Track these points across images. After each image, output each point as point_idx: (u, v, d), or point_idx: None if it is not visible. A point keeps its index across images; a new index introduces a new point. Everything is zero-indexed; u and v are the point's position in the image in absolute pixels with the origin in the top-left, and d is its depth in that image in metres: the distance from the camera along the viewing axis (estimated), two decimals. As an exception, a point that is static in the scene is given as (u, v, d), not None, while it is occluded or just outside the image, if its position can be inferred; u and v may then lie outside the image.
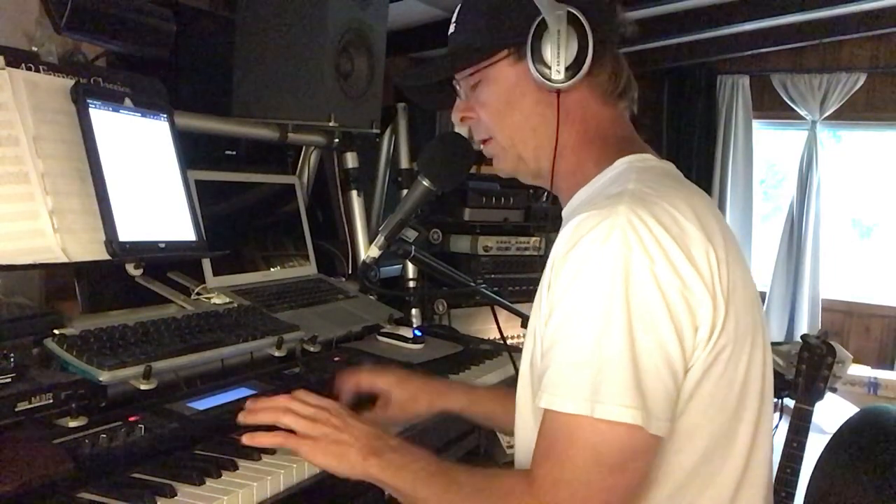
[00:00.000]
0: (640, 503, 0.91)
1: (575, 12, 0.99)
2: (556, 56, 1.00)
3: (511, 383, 1.17)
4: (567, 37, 0.99)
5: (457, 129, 1.30)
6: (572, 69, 1.00)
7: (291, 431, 1.04)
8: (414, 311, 2.33)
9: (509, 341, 1.68)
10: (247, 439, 1.04)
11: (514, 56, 1.04)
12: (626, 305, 0.84)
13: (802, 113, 4.90)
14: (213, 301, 1.60)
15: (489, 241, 2.84)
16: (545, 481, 0.87)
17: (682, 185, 1.01)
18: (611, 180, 1.00)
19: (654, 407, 0.84)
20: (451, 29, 1.10)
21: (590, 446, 0.84)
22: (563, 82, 1.01)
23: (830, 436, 1.67)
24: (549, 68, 1.00)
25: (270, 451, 1.11)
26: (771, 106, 5.05)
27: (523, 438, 1.03)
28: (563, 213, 1.08)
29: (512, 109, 1.06)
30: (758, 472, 0.98)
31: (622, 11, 1.08)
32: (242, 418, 1.08)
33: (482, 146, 1.14)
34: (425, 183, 1.47)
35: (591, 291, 0.86)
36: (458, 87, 1.12)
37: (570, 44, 1.00)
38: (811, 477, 1.67)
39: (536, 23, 1.00)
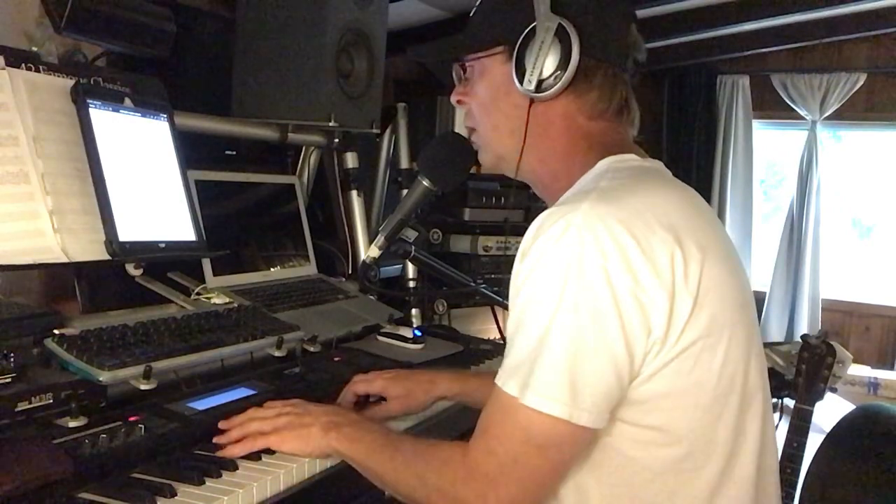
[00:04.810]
0: (619, 488, 0.94)
1: (566, 27, 1.00)
2: (533, 66, 1.01)
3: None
4: (549, 50, 1.00)
5: (456, 128, 1.31)
6: (548, 82, 1.01)
7: None
8: (414, 311, 2.33)
9: (509, 341, 1.68)
10: (223, 454, 1.09)
11: (507, 54, 1.05)
12: (574, 301, 0.87)
13: (802, 113, 4.89)
14: (213, 301, 1.60)
15: (489, 241, 2.84)
16: (479, 451, 0.93)
17: (662, 184, 1.00)
18: (587, 181, 1.01)
19: (584, 401, 0.87)
20: (472, 12, 1.11)
21: (520, 426, 0.89)
22: (534, 93, 1.02)
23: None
24: (524, 77, 1.02)
25: (270, 452, 1.11)
26: (771, 106, 5.04)
27: None
28: None
29: (496, 106, 1.08)
30: (740, 474, 0.96)
31: (636, 34, 1.06)
32: (218, 440, 1.13)
33: (470, 135, 1.17)
34: (425, 183, 1.47)
35: (544, 286, 0.89)
36: (460, 70, 1.13)
37: (551, 57, 1.00)
38: (807, 472, 1.67)
39: (528, 29, 1.01)
